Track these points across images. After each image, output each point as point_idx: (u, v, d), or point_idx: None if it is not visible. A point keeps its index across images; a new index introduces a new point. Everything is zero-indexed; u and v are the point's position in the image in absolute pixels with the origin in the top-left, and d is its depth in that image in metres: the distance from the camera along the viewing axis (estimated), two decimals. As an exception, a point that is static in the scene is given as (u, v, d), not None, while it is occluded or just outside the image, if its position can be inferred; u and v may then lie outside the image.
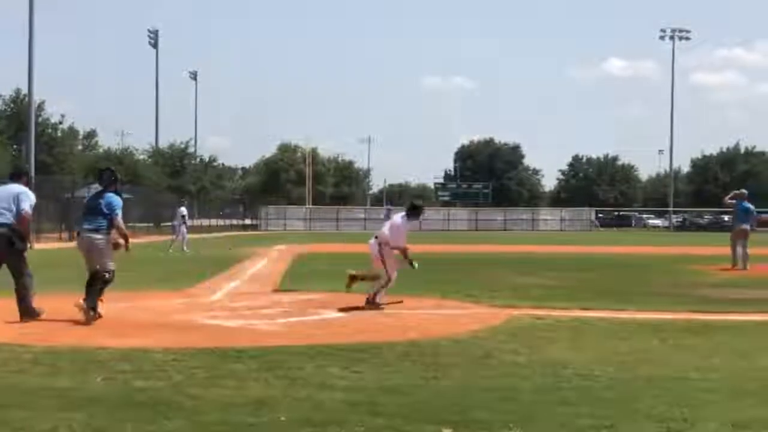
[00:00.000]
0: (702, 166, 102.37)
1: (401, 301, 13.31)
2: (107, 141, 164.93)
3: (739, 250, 23.16)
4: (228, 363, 8.01)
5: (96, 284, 11.16)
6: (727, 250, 24.49)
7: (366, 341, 9.53)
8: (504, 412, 6.09)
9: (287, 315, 12.20)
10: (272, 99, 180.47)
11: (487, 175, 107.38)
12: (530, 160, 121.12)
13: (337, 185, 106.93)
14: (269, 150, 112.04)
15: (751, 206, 23.96)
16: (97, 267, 11.29)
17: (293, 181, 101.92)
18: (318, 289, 15.69)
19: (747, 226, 23.55)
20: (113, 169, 12.27)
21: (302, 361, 8.12)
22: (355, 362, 8.08)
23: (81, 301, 10.94)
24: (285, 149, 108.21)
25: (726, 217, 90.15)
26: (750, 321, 11.95)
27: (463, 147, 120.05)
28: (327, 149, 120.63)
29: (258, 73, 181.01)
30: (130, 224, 43.61)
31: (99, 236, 11.38)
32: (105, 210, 11.41)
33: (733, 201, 24.31)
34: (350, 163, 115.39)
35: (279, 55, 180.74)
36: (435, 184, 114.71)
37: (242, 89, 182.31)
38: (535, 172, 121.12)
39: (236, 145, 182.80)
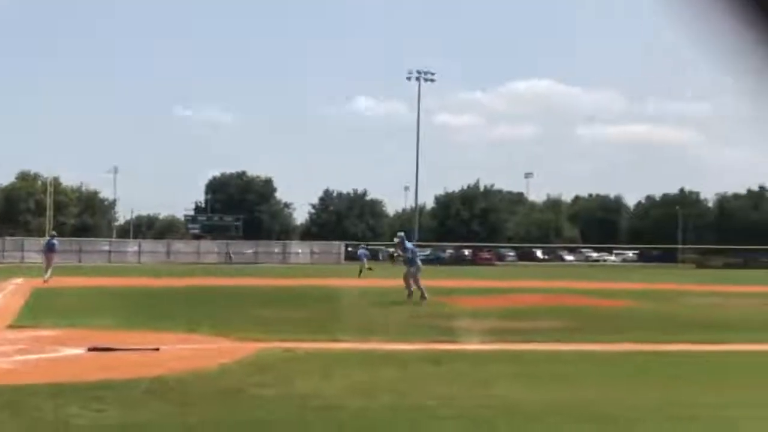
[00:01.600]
0: (445, 203, 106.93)
1: (157, 349, 12.05)
2: None
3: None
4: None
5: None
6: (467, 283, 25.71)
7: (109, 378, 9.20)
8: (251, 446, 6.06)
9: (25, 352, 11.55)
10: (10, 125, 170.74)
11: (238, 208, 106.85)
12: (282, 194, 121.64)
13: (80, 216, 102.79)
14: (6, 178, 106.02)
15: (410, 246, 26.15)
16: None
17: (32, 211, 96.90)
18: (58, 325, 14.97)
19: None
20: None
21: (41, 399, 7.72)
22: (97, 400, 7.77)
23: None
24: (24, 178, 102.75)
25: (466, 251, 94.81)
26: (487, 350, 12.57)
27: (214, 179, 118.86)
28: (70, 179, 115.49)
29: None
30: None
31: None
32: None
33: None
34: (95, 193, 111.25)
35: (20, 80, 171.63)
36: (185, 216, 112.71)
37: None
38: (287, 205, 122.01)
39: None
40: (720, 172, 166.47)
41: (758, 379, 10.20)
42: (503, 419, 7.28)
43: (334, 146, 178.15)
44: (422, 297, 23.64)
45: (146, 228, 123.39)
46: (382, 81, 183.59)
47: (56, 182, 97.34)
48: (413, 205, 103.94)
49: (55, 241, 36.76)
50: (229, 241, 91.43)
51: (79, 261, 72.24)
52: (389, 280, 36.53)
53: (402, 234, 26.16)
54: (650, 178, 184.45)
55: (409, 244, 25.20)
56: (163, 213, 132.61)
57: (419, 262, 24.63)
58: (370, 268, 49.17)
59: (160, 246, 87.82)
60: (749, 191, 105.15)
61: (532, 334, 15.04)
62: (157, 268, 57.87)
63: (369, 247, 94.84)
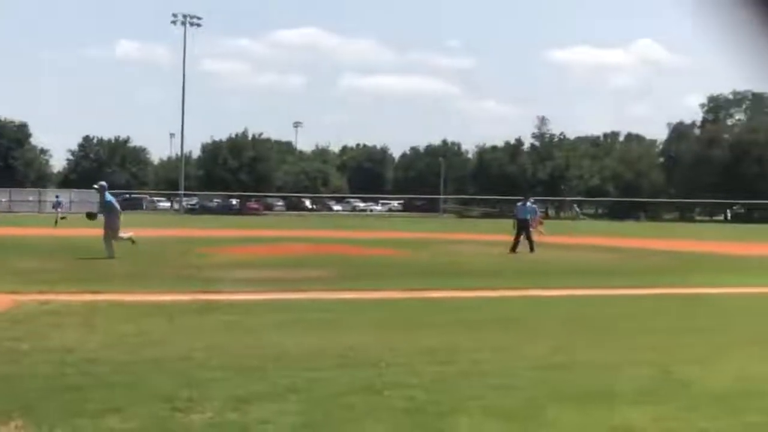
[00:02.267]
0: (212, 151, 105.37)
1: None
2: None
3: None
4: None
5: None
6: (235, 233, 25.45)
7: None
8: (5, 402, 5.78)
9: None
10: None
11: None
12: (38, 140, 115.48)
13: None
14: None
15: None
16: None
17: None
18: None
19: None
20: None
21: None
22: None
23: None
24: None
25: (234, 201, 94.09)
26: (254, 299, 12.59)
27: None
28: None
29: None
30: None
31: None
32: None
33: None
34: None
35: None
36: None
37: None
38: (43, 152, 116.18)
39: None
40: (480, 125, 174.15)
41: (502, 324, 10.79)
42: (272, 366, 7.32)
43: (94, 91, 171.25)
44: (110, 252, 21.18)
45: None
46: (146, 24, 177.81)
47: None
48: (179, 153, 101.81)
49: None
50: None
51: None
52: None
53: (103, 183, 23.98)
54: (415, 130, 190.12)
55: (109, 196, 22.99)
56: None
57: (119, 216, 22.52)
58: (63, 218, 48.58)
59: None
60: (506, 143, 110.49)
61: (299, 282, 15.20)
62: None
63: (133, 195, 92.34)
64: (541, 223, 32.77)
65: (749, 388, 6.81)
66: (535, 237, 27.07)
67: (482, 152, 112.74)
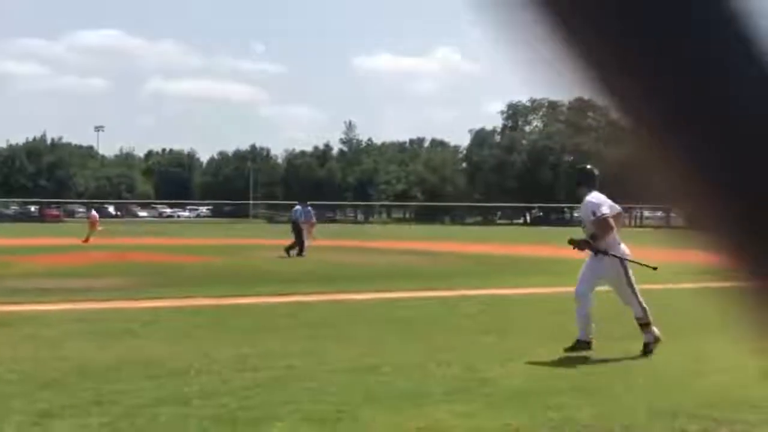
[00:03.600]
0: (8, 156, 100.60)
1: None
2: None
3: None
4: None
5: None
6: (33, 241, 24.44)
7: None
8: None
9: None
10: None
11: None
12: None
13: None
14: None
15: None
16: None
17: None
18: None
19: None
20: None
21: None
22: None
23: None
24: None
25: (33, 208, 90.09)
26: (53, 310, 12.11)
27: None
28: None
29: None
30: None
31: None
32: None
33: None
34: None
35: None
36: None
37: None
38: None
39: None
40: (288, 130, 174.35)
41: (313, 328, 10.86)
42: (75, 378, 7.06)
43: None
44: None
45: None
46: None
47: None
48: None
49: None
50: None
51: None
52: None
53: None
54: (223, 135, 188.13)
55: None
56: None
57: None
58: None
59: None
60: (315, 148, 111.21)
61: (102, 292, 14.75)
62: None
63: None
64: (312, 226, 34.08)
65: (544, 386, 7.14)
66: (308, 241, 27.94)
67: (291, 157, 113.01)
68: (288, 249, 27.07)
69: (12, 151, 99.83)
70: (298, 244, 27.29)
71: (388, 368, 7.81)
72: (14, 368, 7.52)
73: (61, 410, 5.94)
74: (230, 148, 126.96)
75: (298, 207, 29.02)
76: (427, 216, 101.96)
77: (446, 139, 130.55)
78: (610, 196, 9.00)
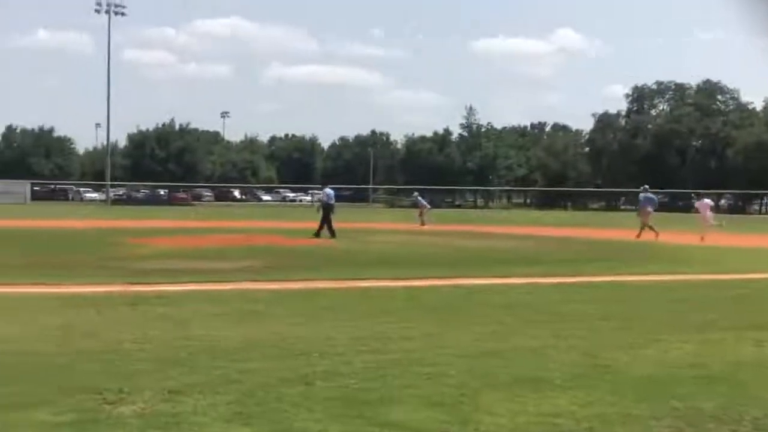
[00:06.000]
0: (138, 141, 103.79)
1: None
2: None
3: None
4: None
5: None
6: (163, 224, 25.15)
7: None
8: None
9: None
10: None
11: None
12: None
13: None
14: None
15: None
16: None
17: None
18: None
19: None
20: None
21: None
22: None
23: None
24: None
25: (162, 192, 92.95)
26: (182, 290, 12.49)
27: None
28: None
29: None
30: None
31: None
32: None
33: None
34: None
35: None
36: None
37: None
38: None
39: None
40: (407, 115, 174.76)
41: (432, 312, 10.89)
42: (203, 357, 7.30)
43: (16, 80, 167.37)
44: None
45: None
46: (67, 13, 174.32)
47: None
48: (105, 143, 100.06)
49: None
50: None
51: None
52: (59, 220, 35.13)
53: None
54: (344, 119, 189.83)
55: None
56: None
57: None
58: None
59: None
60: (435, 133, 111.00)
61: (228, 273, 15.12)
62: None
63: (59, 186, 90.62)
64: (424, 212, 34.55)
65: (668, 375, 6.99)
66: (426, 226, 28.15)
67: (411, 142, 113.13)
68: (318, 233, 27.37)
69: (143, 137, 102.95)
70: (324, 225, 27.53)
71: (507, 353, 7.79)
72: (145, 347, 7.82)
73: (189, 388, 6.15)
74: (351, 134, 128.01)
75: (328, 190, 29.43)
76: (548, 201, 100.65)
77: (568, 124, 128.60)
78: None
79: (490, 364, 7.24)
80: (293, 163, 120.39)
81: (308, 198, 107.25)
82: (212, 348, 7.79)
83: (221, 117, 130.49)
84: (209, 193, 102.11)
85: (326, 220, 27.78)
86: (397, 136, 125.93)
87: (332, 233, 27.22)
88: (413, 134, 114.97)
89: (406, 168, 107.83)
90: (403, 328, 9.16)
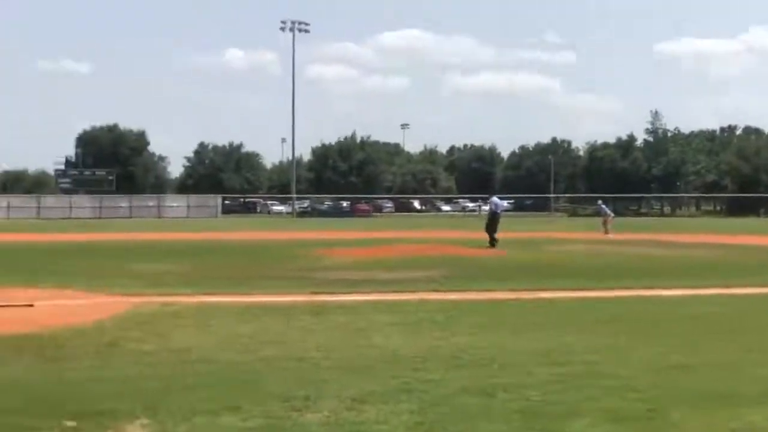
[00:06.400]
0: (321, 155, 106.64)
1: (31, 305, 11.69)
2: None
3: None
4: None
5: None
6: (346, 235, 25.69)
7: (-22, 337, 8.91)
8: (130, 401, 5.99)
9: None
10: None
11: (111, 162, 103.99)
12: (156, 147, 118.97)
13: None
14: None
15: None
16: None
17: None
18: None
19: None
20: None
21: None
22: (-34, 360, 7.53)
23: None
24: None
25: (344, 203, 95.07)
26: (367, 301, 12.69)
27: (84, 132, 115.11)
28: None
29: None
30: None
31: None
32: None
33: None
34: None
35: None
36: (55, 170, 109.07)
37: None
38: (161, 158, 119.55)
39: None
40: (587, 121, 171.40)
41: (616, 324, 10.61)
42: (385, 366, 7.39)
43: (207, 98, 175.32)
44: None
45: (14, 183, 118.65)
46: (253, 32, 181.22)
47: None
48: (290, 157, 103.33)
49: None
50: (103, 196, 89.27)
51: (-57, 217, 69.18)
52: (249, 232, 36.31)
53: None
54: (523, 127, 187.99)
55: None
56: (32, 168, 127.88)
57: None
58: None
59: (30, 201, 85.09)
60: (618, 140, 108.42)
61: (409, 283, 15.25)
62: (28, 223, 56.02)
63: (248, 199, 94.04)
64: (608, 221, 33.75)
65: None
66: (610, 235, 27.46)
67: (593, 149, 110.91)
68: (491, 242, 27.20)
69: (326, 150, 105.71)
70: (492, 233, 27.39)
71: (696, 366, 7.50)
72: (328, 355, 7.99)
73: (371, 396, 6.24)
74: (531, 142, 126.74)
75: (495, 199, 29.75)
76: (739, 208, 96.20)
77: (761, 126, 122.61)
78: None
79: (678, 378, 6.99)
80: (472, 173, 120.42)
81: (487, 207, 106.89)
82: (393, 357, 7.88)
83: (401, 128, 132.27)
84: (390, 204, 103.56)
85: (492, 229, 27.74)
86: (579, 143, 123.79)
87: (493, 242, 27.14)
88: (595, 141, 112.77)
89: (588, 175, 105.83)
90: (587, 340, 8.98)
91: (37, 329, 9.46)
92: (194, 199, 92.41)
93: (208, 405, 5.94)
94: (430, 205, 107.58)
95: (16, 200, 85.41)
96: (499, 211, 28.54)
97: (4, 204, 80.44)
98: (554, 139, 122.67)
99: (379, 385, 6.64)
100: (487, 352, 8.16)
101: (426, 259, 21.93)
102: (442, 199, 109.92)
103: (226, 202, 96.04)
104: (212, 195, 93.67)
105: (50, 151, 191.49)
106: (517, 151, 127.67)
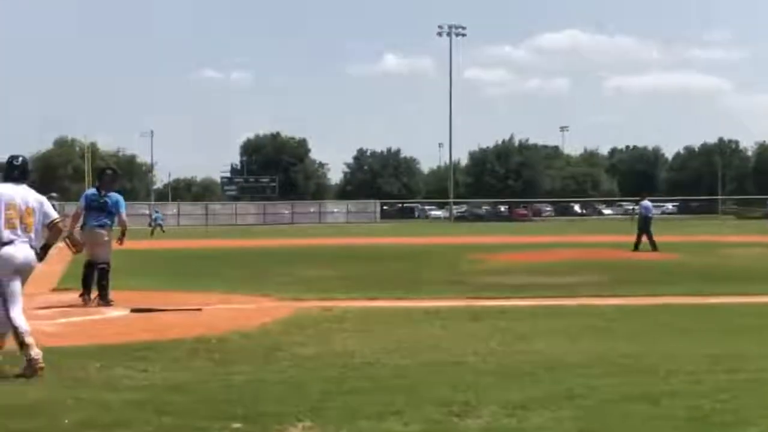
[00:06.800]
0: (479, 159, 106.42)
1: (200, 309, 12.18)
2: None
3: None
4: (4, 366, 7.59)
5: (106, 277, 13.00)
6: (505, 239, 25.57)
7: (151, 339, 9.32)
8: (293, 404, 6.12)
9: (67, 315, 11.73)
10: (45, 92, 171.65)
11: (274, 169, 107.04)
12: (316, 154, 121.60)
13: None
14: (44, 145, 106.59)
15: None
16: (105, 259, 13.06)
17: (71, 177, 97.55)
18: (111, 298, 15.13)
19: None
20: (116, 170, 14.84)
21: (85, 361, 7.82)
22: (140, 360, 7.88)
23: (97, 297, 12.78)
24: (62, 144, 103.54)
25: (503, 208, 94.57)
26: (526, 306, 12.55)
27: (248, 141, 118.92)
28: (107, 144, 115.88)
29: (30, 66, 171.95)
30: None
31: (104, 232, 13.16)
32: (112, 209, 13.23)
33: None
34: (132, 157, 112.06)
35: (52, 48, 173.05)
36: (221, 178, 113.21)
37: (10, 82, 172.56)
38: (321, 165, 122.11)
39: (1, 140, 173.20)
40: (757, 121, 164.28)
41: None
42: (545, 372, 7.28)
43: (365, 105, 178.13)
44: None
45: (184, 191, 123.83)
46: (410, 37, 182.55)
47: (93, 148, 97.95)
48: (447, 161, 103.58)
49: None
50: (266, 202, 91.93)
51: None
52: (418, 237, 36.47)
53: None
54: (688, 128, 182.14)
55: None
56: (200, 176, 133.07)
57: None
58: (162, 231, 53.02)
59: (198, 208, 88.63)
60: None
61: (570, 288, 15.00)
62: (196, 230, 58.32)
63: (405, 205, 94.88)
64: None
65: None
66: None
67: (763, 149, 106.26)
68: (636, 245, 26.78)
69: (483, 155, 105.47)
70: (643, 238, 26.92)
71: None
72: (488, 359, 7.95)
73: (532, 402, 6.16)
74: (696, 142, 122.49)
75: (645, 202, 28.71)
76: None
77: None
78: None
79: None
80: (635, 175, 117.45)
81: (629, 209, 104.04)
82: (554, 362, 7.76)
83: (560, 131, 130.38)
84: (549, 208, 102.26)
85: (644, 232, 27.18)
86: (748, 143, 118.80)
87: (636, 245, 26.77)
88: (764, 141, 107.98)
89: (758, 177, 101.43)
90: (758, 347, 8.59)
91: (205, 332, 9.80)
92: (354, 204, 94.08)
93: (370, 409, 5.99)
94: (591, 209, 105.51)
95: (186, 207, 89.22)
96: (649, 215, 27.89)
97: (174, 211, 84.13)
98: (721, 139, 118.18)
99: (541, 391, 6.54)
100: (651, 358, 7.92)
101: (586, 264, 21.53)
102: (603, 202, 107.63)
103: (384, 207, 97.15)
104: (371, 200, 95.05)
105: (217, 159, 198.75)
106: (681, 152, 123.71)
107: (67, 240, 10.50)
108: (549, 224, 71.52)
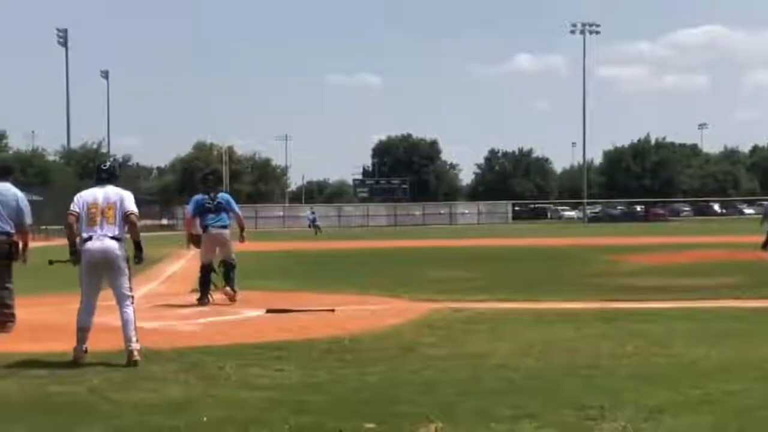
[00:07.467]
0: (614, 158, 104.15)
1: (333, 310, 12.22)
2: (17, 142, 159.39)
3: None
4: (146, 364, 7.90)
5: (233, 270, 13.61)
6: (641, 240, 25.04)
7: (287, 339, 9.52)
8: (426, 405, 6.15)
9: (205, 315, 12.10)
10: (185, 98, 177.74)
11: (405, 171, 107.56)
12: (447, 155, 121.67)
13: (255, 183, 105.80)
14: (184, 149, 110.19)
15: None
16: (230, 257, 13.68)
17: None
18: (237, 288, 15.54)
19: None
20: (216, 169, 14.38)
21: (222, 360, 8.06)
22: (276, 360, 8.07)
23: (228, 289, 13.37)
24: (200, 148, 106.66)
25: (638, 208, 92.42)
26: (662, 308, 12.26)
27: (380, 143, 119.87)
28: (243, 147, 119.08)
29: (169, 72, 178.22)
30: (42, 227, 42.64)
31: (227, 231, 13.76)
32: (226, 207, 13.76)
33: None
34: (267, 160, 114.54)
35: (190, 54, 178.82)
36: (353, 180, 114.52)
37: (153, 88, 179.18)
38: (453, 166, 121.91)
39: (148, 145, 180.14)
40: None
41: None
42: (682, 375, 7.11)
43: (496, 105, 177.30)
44: None
45: (317, 193, 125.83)
46: (541, 37, 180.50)
47: (231, 151, 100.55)
48: (581, 161, 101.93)
49: None
50: (397, 204, 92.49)
51: (255, 227, 74.59)
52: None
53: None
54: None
55: None
56: (333, 178, 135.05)
57: None
58: (320, 231, 54.43)
59: (331, 210, 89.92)
60: None
61: (708, 290, 14.56)
62: (327, 232, 59.23)
63: (537, 205, 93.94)
64: None
65: None
66: None
67: None
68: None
69: (618, 153, 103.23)
70: None
71: None
72: (622, 363, 7.80)
73: (670, 406, 6.02)
74: None
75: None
76: None
77: None
78: None
79: None
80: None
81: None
82: (691, 367, 7.57)
83: (698, 128, 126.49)
84: (687, 208, 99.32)
85: None
86: None
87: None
88: None
89: None
90: None
91: (339, 333, 9.95)
92: (485, 205, 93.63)
93: (503, 411, 5.97)
94: (732, 208, 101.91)
95: (319, 209, 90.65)
96: None
97: (308, 213, 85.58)
98: None
99: (677, 396, 6.40)
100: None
101: (724, 265, 20.87)
102: (744, 201, 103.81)
103: (516, 208, 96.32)
104: (502, 201, 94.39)
105: (349, 161, 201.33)
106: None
107: (191, 244, 11.65)
108: (687, 224, 69.51)
